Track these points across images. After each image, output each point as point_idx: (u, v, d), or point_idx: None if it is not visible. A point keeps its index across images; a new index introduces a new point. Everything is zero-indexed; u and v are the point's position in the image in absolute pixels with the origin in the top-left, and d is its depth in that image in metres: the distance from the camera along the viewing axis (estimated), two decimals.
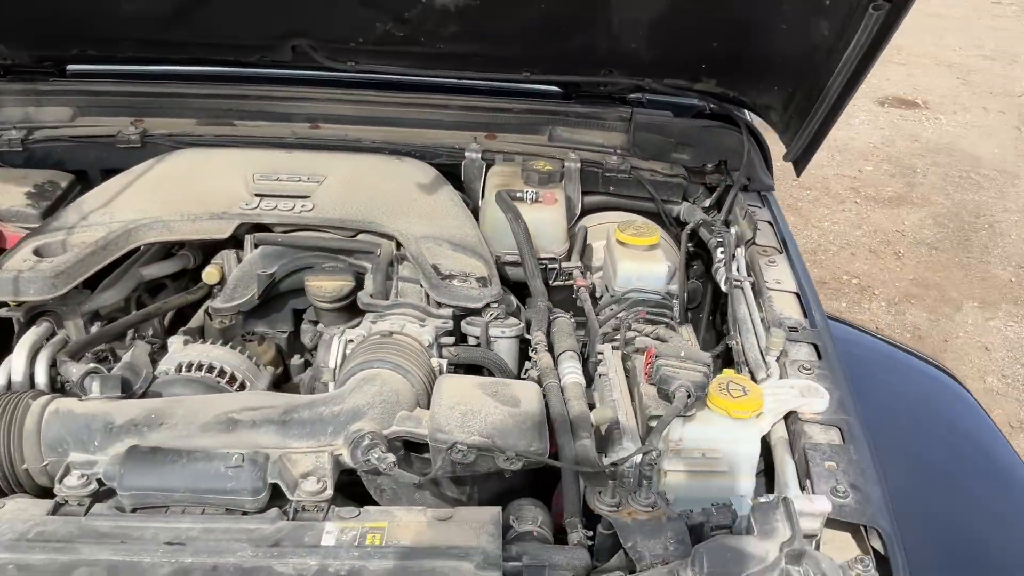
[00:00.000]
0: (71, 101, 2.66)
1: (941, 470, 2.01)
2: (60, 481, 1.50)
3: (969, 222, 6.92)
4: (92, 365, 1.77)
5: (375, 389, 1.64)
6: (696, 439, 1.76)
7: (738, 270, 2.34)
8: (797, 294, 2.27)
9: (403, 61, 2.51)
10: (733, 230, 2.51)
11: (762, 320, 2.14)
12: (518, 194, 2.35)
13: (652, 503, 1.48)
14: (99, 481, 1.51)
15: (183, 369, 1.84)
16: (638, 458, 1.58)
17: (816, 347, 2.05)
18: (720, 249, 2.42)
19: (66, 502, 1.50)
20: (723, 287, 2.35)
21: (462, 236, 2.16)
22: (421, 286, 2.02)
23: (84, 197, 2.22)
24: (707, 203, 2.66)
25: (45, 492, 1.61)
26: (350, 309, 2.08)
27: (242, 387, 1.86)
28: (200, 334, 2.19)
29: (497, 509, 1.52)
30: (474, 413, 1.62)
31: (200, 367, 1.84)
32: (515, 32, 2.36)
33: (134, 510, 1.48)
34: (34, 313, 1.99)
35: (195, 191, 2.24)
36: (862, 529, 1.62)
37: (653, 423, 1.76)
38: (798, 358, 2.01)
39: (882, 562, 1.58)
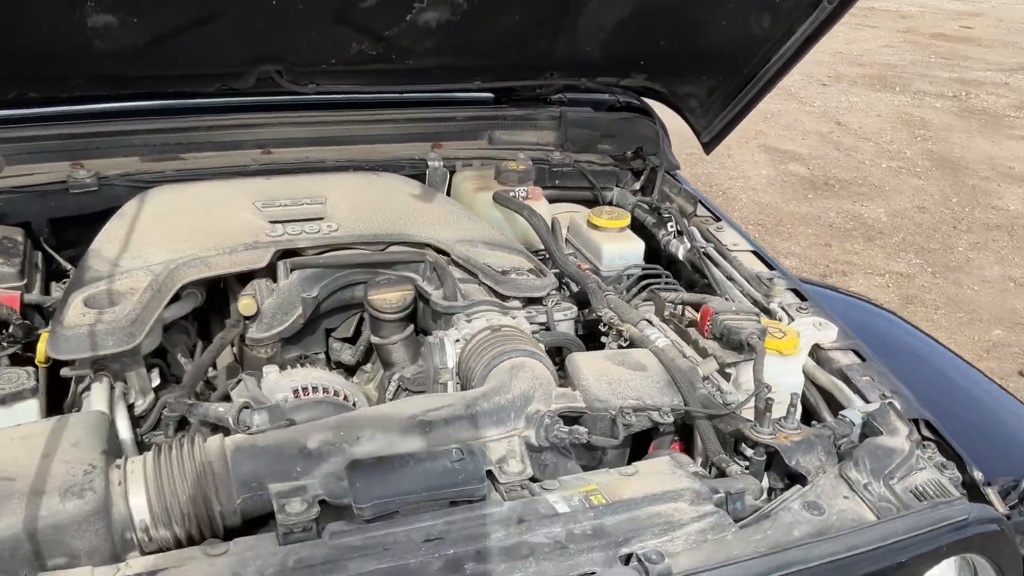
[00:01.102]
0: None
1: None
2: (281, 511, 1.52)
3: (705, 191, 7.84)
4: (244, 400, 1.75)
5: (530, 375, 1.78)
6: (767, 375, 2.06)
7: (694, 239, 2.67)
8: (754, 252, 2.65)
9: (367, 79, 2.59)
10: (673, 206, 2.84)
11: (746, 277, 2.48)
12: (511, 193, 2.53)
13: (797, 427, 1.76)
14: (322, 502, 1.54)
15: (299, 393, 1.86)
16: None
17: (796, 291, 2.43)
18: (669, 223, 2.74)
19: (291, 530, 1.52)
20: (680, 256, 2.67)
21: (489, 236, 2.31)
22: (479, 284, 2.16)
23: (98, 244, 2.11)
24: (636, 186, 2.97)
25: (231, 533, 1.60)
26: (407, 317, 2.17)
27: (353, 404, 1.91)
28: (241, 365, 2.17)
29: (670, 457, 1.74)
30: (618, 381, 1.82)
31: (315, 389, 1.87)
32: (481, 43, 2.52)
33: (368, 521, 1.54)
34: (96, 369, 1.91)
35: (210, 225, 2.21)
36: (912, 423, 2.00)
37: (730, 370, 2.04)
38: (789, 302, 2.38)
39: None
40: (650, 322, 2.10)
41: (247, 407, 1.70)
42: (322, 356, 2.27)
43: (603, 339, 2.12)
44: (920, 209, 8.20)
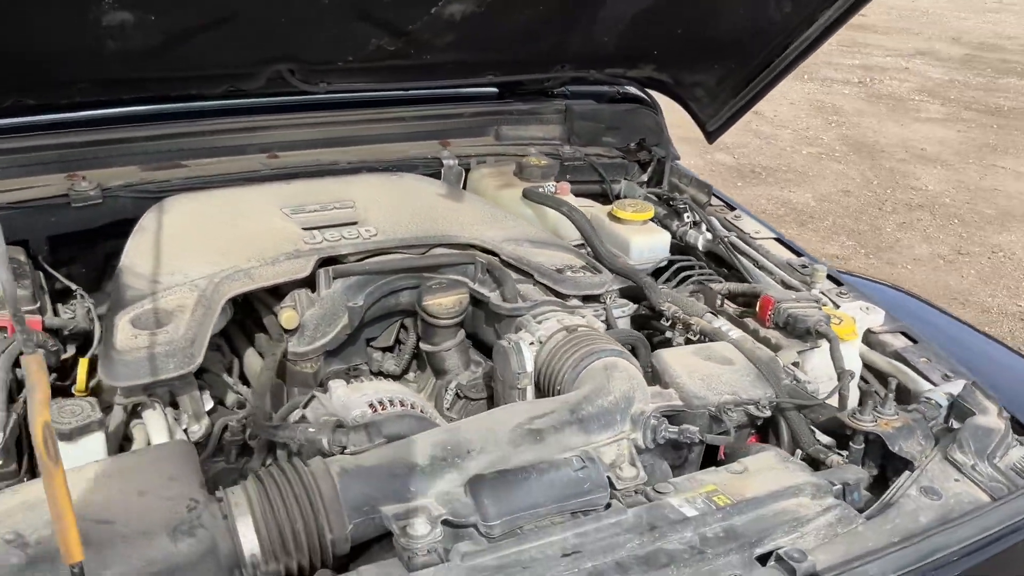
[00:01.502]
0: None
1: None
2: (404, 534, 1.42)
3: None
4: (335, 419, 1.64)
5: (626, 375, 1.72)
6: (821, 364, 2.05)
7: (715, 229, 2.65)
8: (777, 239, 2.65)
9: (381, 76, 2.48)
10: (685, 196, 2.81)
11: (777, 264, 2.47)
12: (540, 189, 2.46)
13: (895, 412, 1.75)
14: (445, 522, 1.45)
15: (376, 408, 1.76)
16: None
17: (831, 277, 2.43)
18: (685, 214, 2.71)
19: (415, 554, 1.42)
20: (700, 246, 2.64)
21: (532, 234, 2.24)
22: (534, 284, 2.08)
23: (129, 261, 1.96)
24: (643, 178, 2.94)
25: (337, 561, 1.50)
26: (459, 323, 2.08)
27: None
28: (283, 379, 2.05)
29: (776, 450, 1.71)
30: (711, 376, 1.77)
31: (391, 403, 1.77)
32: (500, 36, 2.44)
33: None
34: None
35: (244, 235, 2.07)
36: None
37: (796, 358, 2.02)
38: (828, 287, 2.37)
39: None
40: (714, 314, 2.06)
41: (340, 426, 1.59)
42: (364, 368, 2.16)
43: (667, 334, 2.07)
44: (845, 193, 8.43)
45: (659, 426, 1.64)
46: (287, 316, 2.01)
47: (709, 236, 2.63)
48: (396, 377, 2.17)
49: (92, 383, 1.82)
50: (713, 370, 1.79)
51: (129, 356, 1.67)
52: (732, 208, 2.80)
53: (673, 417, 1.72)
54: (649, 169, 2.94)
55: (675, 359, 1.81)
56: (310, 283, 2.05)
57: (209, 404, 1.87)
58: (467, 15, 2.28)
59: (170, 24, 2.03)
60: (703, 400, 1.72)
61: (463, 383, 2.05)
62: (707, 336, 1.97)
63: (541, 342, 1.86)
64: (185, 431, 1.80)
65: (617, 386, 1.69)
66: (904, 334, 2.23)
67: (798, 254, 2.57)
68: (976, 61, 14.10)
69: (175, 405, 1.85)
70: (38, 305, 2.03)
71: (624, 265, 2.27)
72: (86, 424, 1.54)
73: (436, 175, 2.62)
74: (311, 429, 1.59)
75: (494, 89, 2.89)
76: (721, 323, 2.00)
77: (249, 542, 1.39)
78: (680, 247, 2.66)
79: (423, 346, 2.08)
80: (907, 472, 1.67)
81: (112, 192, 2.29)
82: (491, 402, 2.04)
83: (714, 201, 2.83)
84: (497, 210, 2.35)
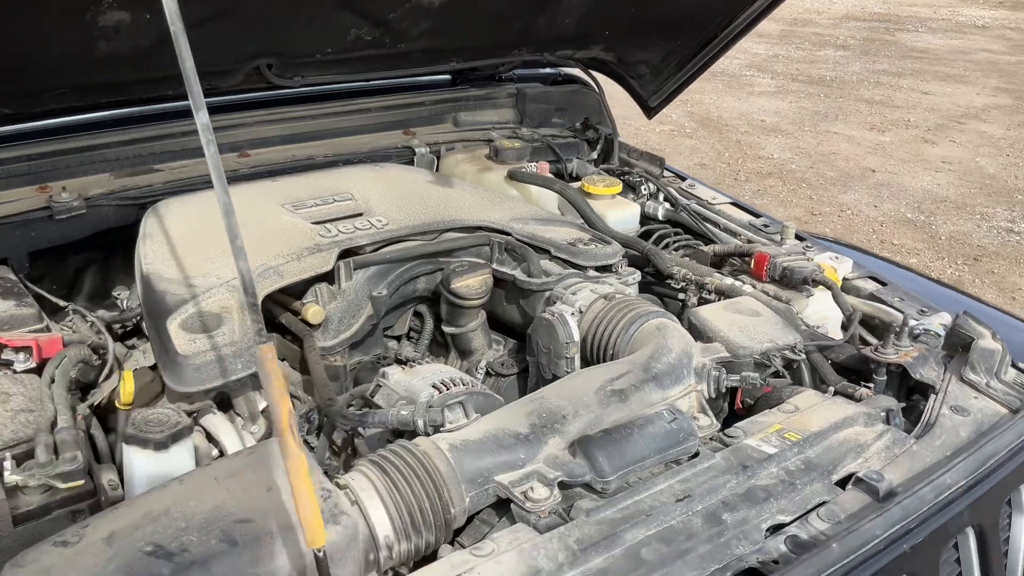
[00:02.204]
0: None
1: None
2: (528, 499, 1.47)
3: None
4: (425, 400, 1.65)
5: (677, 332, 1.82)
6: (817, 309, 2.23)
7: (676, 198, 2.80)
8: (734, 203, 2.82)
9: (356, 67, 2.47)
10: (637, 170, 2.94)
11: (742, 226, 2.64)
12: (523, 168, 2.52)
13: (910, 344, 1.93)
14: (560, 484, 1.51)
15: (441, 388, 1.78)
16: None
17: (780, 233, 2.61)
18: (642, 187, 2.85)
19: (540, 516, 1.48)
20: (660, 217, 2.78)
21: (533, 213, 2.30)
22: (550, 259, 2.15)
23: (151, 268, 1.89)
24: (593, 155, 3.05)
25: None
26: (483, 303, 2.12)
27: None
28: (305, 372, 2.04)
29: (812, 390, 1.86)
30: (747, 327, 1.90)
31: (454, 383, 1.81)
32: (472, 22, 2.48)
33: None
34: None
35: (259, 234, 2.04)
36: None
37: (804, 307, 2.18)
38: (794, 243, 2.56)
39: None
40: (722, 273, 2.19)
41: (432, 406, 1.62)
42: (388, 357, 2.17)
43: (680, 296, 2.19)
44: (701, 166, 8.87)
45: (720, 376, 1.75)
46: (313, 311, 2.00)
47: (667, 206, 2.77)
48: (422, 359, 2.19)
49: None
50: (747, 322, 1.92)
51: (197, 360, 1.64)
52: (683, 178, 2.96)
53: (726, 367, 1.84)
54: (598, 147, 3.05)
55: (712, 315, 1.92)
56: (325, 277, 2.05)
57: (263, 404, 1.84)
58: (444, 2, 2.31)
59: (163, 23, 1.96)
60: (747, 349, 1.85)
61: (491, 361, 2.10)
62: (723, 293, 2.09)
63: (581, 311, 1.94)
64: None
65: (675, 343, 1.79)
66: (872, 278, 2.44)
67: (756, 215, 2.75)
68: (793, 36, 15.05)
69: (223, 408, 1.82)
70: (45, 324, 1.94)
71: (626, 236, 2.37)
72: (178, 431, 1.51)
73: (408, 163, 2.64)
74: (403, 412, 1.60)
75: (447, 77, 2.93)
76: (731, 281, 2.14)
77: (382, 524, 1.41)
78: (641, 219, 2.78)
79: (448, 329, 2.11)
80: (932, 395, 1.85)
81: (94, 201, 2.20)
82: (522, 377, 2.10)
83: (665, 173, 2.97)
84: (491, 192, 2.40)
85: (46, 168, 2.24)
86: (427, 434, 1.59)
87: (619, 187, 2.68)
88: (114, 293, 2.27)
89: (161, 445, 1.48)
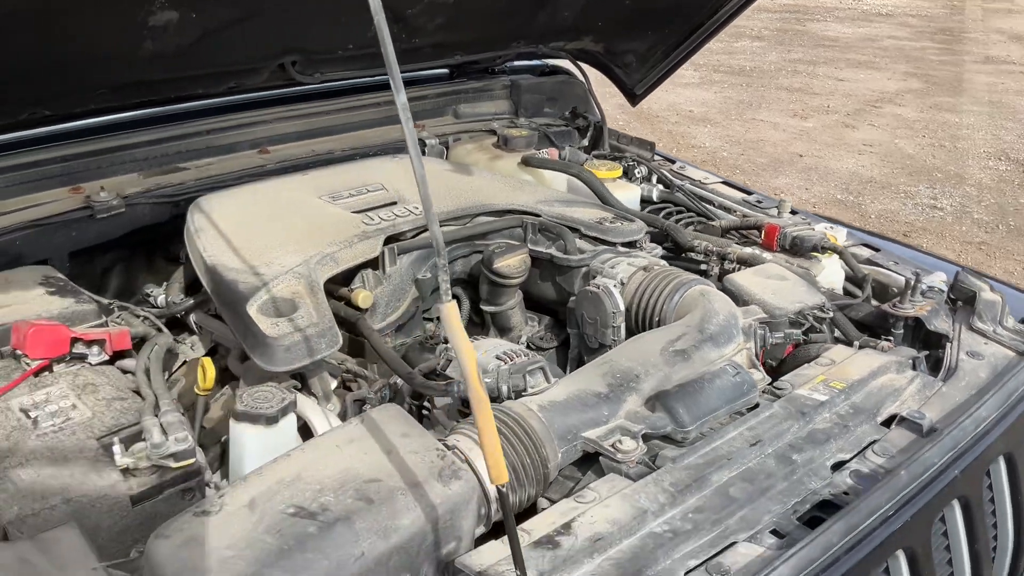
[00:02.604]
0: None
1: None
2: (618, 451, 1.60)
3: None
4: (507, 367, 1.75)
5: (719, 296, 1.97)
6: (825, 275, 2.40)
7: (663, 179, 2.94)
8: (725, 182, 2.99)
9: (370, 63, 2.55)
10: (628, 155, 3.08)
11: (736, 203, 2.80)
12: (537, 155, 2.64)
13: (922, 300, 2.11)
14: (644, 436, 1.64)
15: (505, 360, 1.89)
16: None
17: (777, 208, 2.79)
18: (636, 170, 2.99)
19: (630, 466, 1.60)
20: (655, 199, 2.93)
21: (554, 195, 2.42)
22: (580, 237, 2.27)
23: (214, 260, 1.95)
24: (584, 143, 3.18)
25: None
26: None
27: None
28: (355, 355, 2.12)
29: (840, 345, 2.02)
30: (777, 291, 2.06)
31: (516, 354, 1.92)
32: (483, 16, 2.58)
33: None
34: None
35: (307, 224, 2.11)
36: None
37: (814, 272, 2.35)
38: (790, 217, 2.73)
39: None
40: (740, 244, 2.35)
41: (513, 373, 1.73)
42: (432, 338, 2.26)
43: (703, 267, 2.33)
44: None
45: (765, 334, 1.90)
46: (363, 296, 2.08)
47: (660, 188, 2.92)
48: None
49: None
50: (777, 286, 2.07)
51: (286, 341, 1.71)
52: (672, 161, 3.11)
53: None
54: (588, 134, 3.18)
55: (745, 281, 2.08)
56: (369, 264, 2.13)
57: (334, 383, 1.92)
58: None
59: (207, 21, 2.03)
60: (783, 310, 2.00)
61: (530, 336, 2.22)
62: (745, 262, 2.25)
63: (623, 283, 2.07)
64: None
65: (721, 306, 1.93)
66: (866, 245, 2.62)
67: (748, 192, 2.92)
68: None
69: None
70: (104, 319, 1.98)
71: (645, 214, 2.50)
72: (286, 406, 1.59)
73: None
74: (487, 380, 1.71)
75: (445, 71, 3.02)
76: (750, 250, 2.29)
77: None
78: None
79: (488, 308, 2.22)
80: (948, 343, 2.03)
81: (132, 200, 2.24)
82: (560, 350, 2.22)
83: (654, 157, 3.12)
84: (510, 178, 2.51)
85: (78, 169, 2.27)
86: (509, 398, 1.70)
87: (619, 171, 2.82)
88: (146, 290, 2.31)
89: (272, 420, 1.56)
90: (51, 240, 2.15)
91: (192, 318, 2.13)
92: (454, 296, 2.27)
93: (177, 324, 2.17)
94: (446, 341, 2.17)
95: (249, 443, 1.56)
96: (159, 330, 2.00)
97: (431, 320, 2.33)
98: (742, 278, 2.10)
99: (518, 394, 1.70)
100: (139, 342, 1.94)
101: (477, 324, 2.31)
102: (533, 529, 1.44)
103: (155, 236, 2.33)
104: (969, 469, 1.68)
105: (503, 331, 2.25)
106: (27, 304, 1.91)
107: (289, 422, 1.60)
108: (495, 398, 1.70)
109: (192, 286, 2.28)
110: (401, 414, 1.59)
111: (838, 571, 1.41)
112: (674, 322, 1.94)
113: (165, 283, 2.30)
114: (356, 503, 1.39)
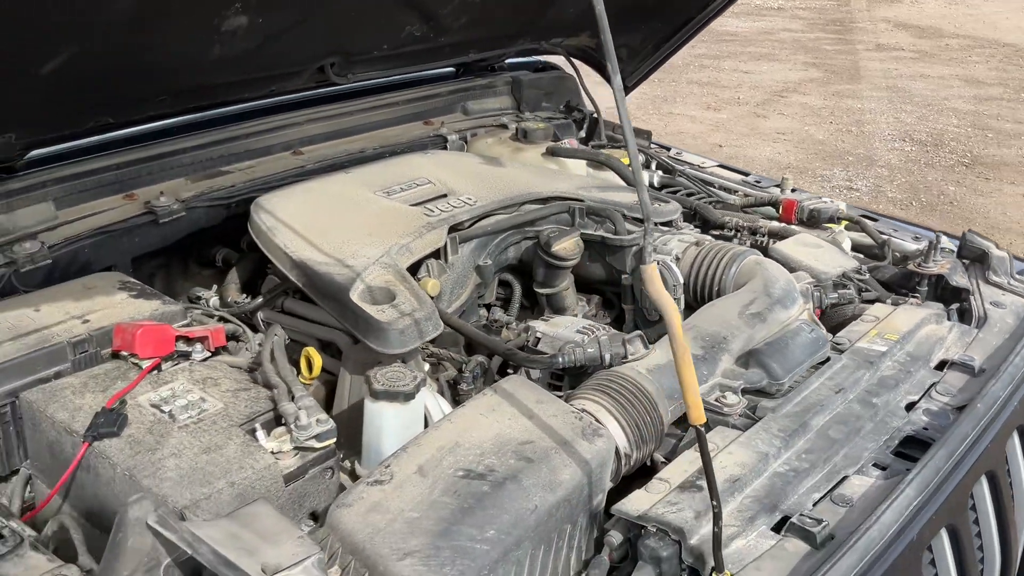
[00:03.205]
0: (48, 194, 2.16)
1: None
2: (724, 405, 1.75)
3: None
4: (604, 337, 1.87)
5: (773, 264, 2.13)
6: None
7: (663, 165, 3.11)
8: (721, 165, 3.17)
9: (401, 62, 2.64)
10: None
11: (737, 183, 2.99)
12: (561, 145, 2.77)
13: (942, 259, 2.32)
14: (742, 391, 1.79)
15: (585, 333, 2.01)
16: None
17: (780, 186, 3.00)
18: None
19: (735, 418, 1.75)
20: (656, 184, 3.10)
21: (589, 182, 2.55)
22: (624, 218, 2.41)
23: (301, 255, 2.01)
24: (581, 134, 3.32)
25: None
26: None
27: None
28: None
29: (887, 301, 2.21)
30: (818, 257, 2.24)
31: (593, 328, 2.04)
32: (504, 13, 2.69)
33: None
34: None
35: (374, 218, 2.19)
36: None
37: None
38: (790, 192, 2.93)
39: None
40: (766, 219, 2.52)
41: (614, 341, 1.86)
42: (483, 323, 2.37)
43: (734, 241, 2.49)
44: None
45: (821, 295, 2.08)
46: (432, 284, 2.18)
47: (660, 174, 3.09)
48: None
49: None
50: (817, 253, 2.26)
51: (399, 325, 1.80)
52: (668, 149, 3.28)
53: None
54: (585, 126, 3.33)
55: (789, 249, 2.26)
56: (432, 254, 2.23)
57: (427, 366, 2.01)
58: None
59: (269, 25, 2.09)
60: (827, 273, 2.18)
61: (583, 315, 2.35)
62: (776, 235, 2.42)
63: (678, 258, 2.22)
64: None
65: (778, 273, 2.10)
66: (865, 216, 2.83)
67: (745, 174, 3.11)
68: None
69: None
70: (189, 320, 2.03)
71: (676, 198, 2.66)
72: (420, 383, 1.67)
73: (442, 150, 2.82)
74: (590, 350, 1.83)
75: (451, 69, 3.12)
76: (779, 224, 2.47)
77: (620, 438, 1.65)
78: None
79: (543, 290, 2.33)
80: (972, 296, 2.24)
81: (190, 204, 2.28)
82: (618, 323, 2.36)
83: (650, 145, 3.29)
84: (542, 167, 2.63)
85: (130, 176, 2.30)
86: (610, 365, 1.83)
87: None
88: (197, 293, 2.35)
89: (410, 396, 1.65)
90: (117, 246, 2.17)
91: (260, 316, 2.18)
92: (507, 282, 2.41)
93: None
94: (521, 322, 2.27)
95: (388, 420, 1.65)
96: (246, 328, 2.05)
97: (486, 307, 2.43)
98: (786, 247, 2.27)
99: (619, 360, 1.83)
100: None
101: (526, 308, 2.42)
102: (670, 478, 1.57)
103: (203, 240, 2.37)
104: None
105: (558, 312, 2.36)
106: (116, 308, 1.94)
107: (420, 398, 1.69)
108: (599, 365, 1.83)
109: (246, 286, 2.33)
110: (528, 383, 1.70)
111: (943, 494, 1.58)
112: (736, 290, 2.10)
113: (215, 286, 2.35)
114: (518, 463, 1.50)
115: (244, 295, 2.27)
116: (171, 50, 1.97)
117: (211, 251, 2.46)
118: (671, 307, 1.28)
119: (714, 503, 1.27)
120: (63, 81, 1.84)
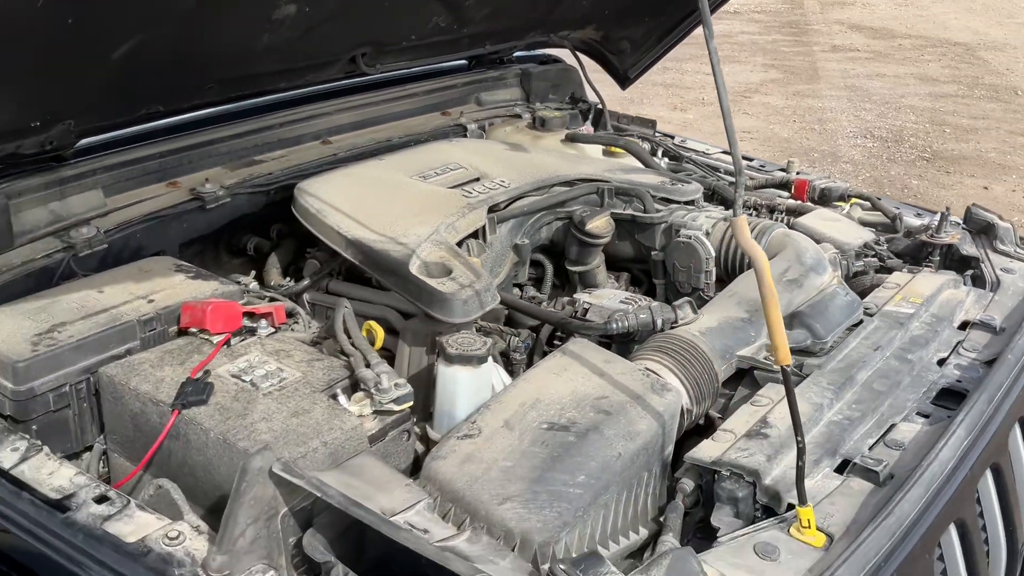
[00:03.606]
0: (97, 182, 2.20)
1: None
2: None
3: None
4: (657, 304, 1.96)
5: (800, 236, 2.24)
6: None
7: (669, 152, 3.22)
8: (725, 151, 3.29)
9: (425, 52, 2.72)
10: (632, 133, 3.35)
11: (742, 167, 3.11)
12: (580, 132, 2.87)
13: (952, 230, 2.45)
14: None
15: (629, 304, 2.11)
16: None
17: (785, 169, 3.12)
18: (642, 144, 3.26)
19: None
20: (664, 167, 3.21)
21: (613, 165, 2.66)
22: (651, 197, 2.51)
23: (357, 235, 2.08)
24: (587, 124, 3.42)
25: None
26: None
27: None
28: None
29: (897, 270, 2.34)
30: (839, 229, 2.37)
31: (635, 299, 2.14)
32: (517, 8, 2.79)
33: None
34: None
35: (415, 201, 2.27)
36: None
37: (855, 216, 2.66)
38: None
39: None
40: (780, 197, 2.64)
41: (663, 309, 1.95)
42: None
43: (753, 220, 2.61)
44: None
45: (848, 263, 2.20)
46: (475, 263, 2.26)
47: (667, 161, 3.20)
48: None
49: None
50: (836, 226, 2.38)
51: (462, 295, 1.88)
52: (672, 137, 3.40)
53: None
54: (590, 117, 3.43)
55: (813, 222, 2.38)
56: (472, 234, 2.31)
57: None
58: None
59: (314, 14, 2.16)
60: (849, 244, 2.31)
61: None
62: (794, 212, 2.54)
63: (708, 233, 2.32)
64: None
65: (807, 244, 2.21)
66: (862, 197, 2.97)
67: (750, 159, 3.23)
68: None
69: None
70: (246, 300, 2.09)
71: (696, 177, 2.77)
72: (491, 346, 1.76)
73: (463, 138, 2.91)
74: (642, 315, 1.93)
75: (463, 62, 3.20)
76: (795, 201, 2.59)
77: (683, 395, 1.74)
78: None
79: (576, 268, 2.42)
80: (982, 264, 2.37)
81: (234, 190, 2.34)
82: (652, 296, 2.46)
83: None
84: (564, 152, 2.73)
85: (172, 164, 2.35)
86: (661, 329, 1.92)
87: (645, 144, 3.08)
88: (236, 279, 2.40)
89: (483, 360, 1.73)
90: (167, 231, 2.23)
91: (306, 297, 2.25)
92: (538, 262, 2.50)
93: None
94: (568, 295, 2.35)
95: (462, 384, 1.73)
96: (297, 307, 2.11)
97: (518, 286, 2.52)
98: (809, 220, 2.39)
99: (670, 325, 1.92)
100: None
101: (557, 286, 2.52)
102: (734, 428, 1.67)
103: (237, 228, 2.43)
104: None
105: (588, 288, 2.46)
106: (176, 288, 1.99)
107: (490, 363, 1.77)
108: (651, 330, 1.92)
109: (287, 269, 2.40)
110: (593, 345, 1.79)
111: (984, 438, 1.70)
112: (770, 259, 2.20)
113: (252, 272, 2.41)
114: (598, 415, 1.59)
115: (287, 278, 2.33)
116: (225, 38, 2.03)
117: (241, 240, 2.51)
118: (760, 255, 1.38)
119: (799, 438, 1.37)
120: (126, 68, 1.90)
